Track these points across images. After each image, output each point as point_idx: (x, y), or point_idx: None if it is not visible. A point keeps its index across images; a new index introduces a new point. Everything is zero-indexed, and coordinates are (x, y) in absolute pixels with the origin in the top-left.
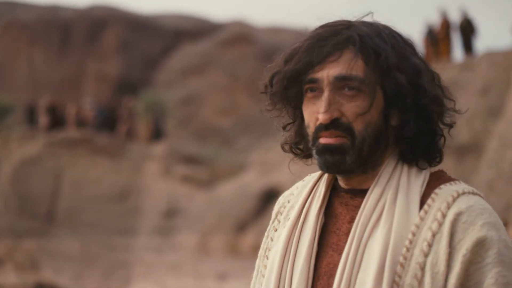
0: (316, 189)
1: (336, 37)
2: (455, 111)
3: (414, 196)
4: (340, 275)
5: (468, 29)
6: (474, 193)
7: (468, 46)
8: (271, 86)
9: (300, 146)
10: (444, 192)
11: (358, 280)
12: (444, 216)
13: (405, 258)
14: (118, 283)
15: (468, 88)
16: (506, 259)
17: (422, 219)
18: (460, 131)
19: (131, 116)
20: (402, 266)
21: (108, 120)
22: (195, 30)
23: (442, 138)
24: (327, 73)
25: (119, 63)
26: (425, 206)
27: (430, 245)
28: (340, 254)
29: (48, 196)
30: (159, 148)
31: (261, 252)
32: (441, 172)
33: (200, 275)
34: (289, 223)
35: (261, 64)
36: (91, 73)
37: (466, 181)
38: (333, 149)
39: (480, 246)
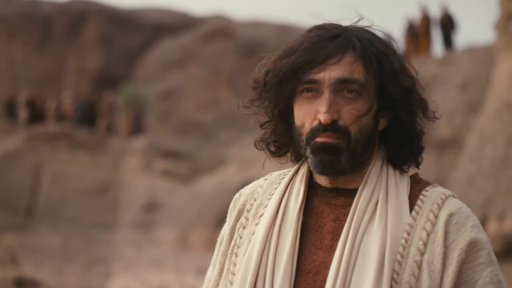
0: (292, 187)
1: (337, 39)
2: (434, 116)
3: (404, 197)
4: (335, 272)
5: (448, 24)
6: (454, 197)
7: (448, 41)
8: (265, 81)
9: (277, 145)
10: (432, 194)
11: (354, 277)
12: (436, 216)
13: (402, 256)
14: (98, 278)
15: (448, 83)
16: (494, 259)
17: (414, 219)
18: (440, 127)
19: (111, 111)
20: (400, 263)
21: (88, 115)
22: (175, 24)
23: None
24: (329, 74)
25: (99, 57)
26: (416, 207)
27: (425, 244)
28: (326, 251)
29: (28, 190)
30: (139, 143)
31: (223, 249)
32: (417, 175)
33: (180, 270)
34: (265, 221)
35: (241, 59)
36: (71, 68)
37: (446, 177)
38: (330, 148)
39: (472, 247)
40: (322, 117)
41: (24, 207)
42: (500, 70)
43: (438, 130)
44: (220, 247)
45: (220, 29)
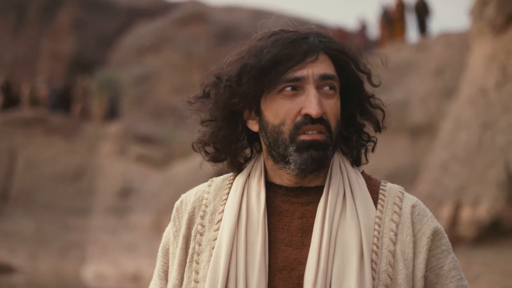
0: (249, 189)
1: (309, 39)
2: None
3: (367, 192)
4: (315, 267)
5: (423, 10)
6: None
7: (422, 27)
8: (238, 78)
9: (217, 147)
10: (391, 189)
11: (335, 270)
12: (400, 208)
13: (377, 246)
14: (73, 263)
15: (423, 69)
16: (451, 246)
17: (381, 211)
18: (415, 112)
19: (85, 96)
20: (376, 254)
21: (62, 100)
22: (150, 8)
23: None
24: (312, 71)
25: (74, 42)
26: (380, 201)
27: (396, 234)
28: (296, 248)
29: (2, 176)
30: (114, 128)
31: (180, 258)
32: (364, 172)
33: (155, 255)
34: (227, 225)
35: (216, 43)
36: (45, 52)
37: (420, 162)
38: (319, 145)
39: (435, 235)
40: (314, 111)
41: None
42: (474, 56)
43: (412, 115)
44: (164, 257)
45: (195, 14)
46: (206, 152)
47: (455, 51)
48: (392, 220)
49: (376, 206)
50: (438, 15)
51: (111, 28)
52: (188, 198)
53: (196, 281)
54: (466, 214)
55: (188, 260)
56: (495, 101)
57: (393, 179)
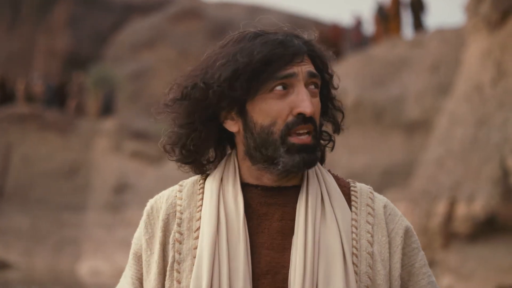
0: (224, 193)
1: (294, 41)
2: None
3: (340, 193)
4: (301, 270)
5: (418, 6)
6: None
7: (418, 23)
8: (229, 82)
9: (192, 148)
10: (361, 189)
11: (320, 273)
12: (373, 209)
13: (356, 249)
14: (68, 259)
15: (418, 65)
16: (419, 244)
17: (356, 213)
18: (410, 108)
19: (80, 91)
20: (356, 256)
21: (57, 96)
22: (145, 4)
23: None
24: (301, 68)
25: (69, 38)
26: (353, 203)
27: (372, 236)
28: (278, 252)
29: None
30: (109, 124)
31: (158, 268)
32: (329, 170)
33: None
34: (208, 232)
35: (211, 39)
36: (40, 48)
37: (415, 158)
38: (309, 148)
39: (406, 234)
40: (308, 109)
41: None
42: (470, 52)
43: (407, 112)
44: (137, 264)
45: (190, 10)
46: (180, 153)
47: (450, 47)
48: (367, 222)
49: (350, 208)
50: (434, 11)
51: (106, 24)
52: (159, 204)
53: None
54: (461, 210)
55: (168, 269)
56: (491, 97)
57: (388, 175)
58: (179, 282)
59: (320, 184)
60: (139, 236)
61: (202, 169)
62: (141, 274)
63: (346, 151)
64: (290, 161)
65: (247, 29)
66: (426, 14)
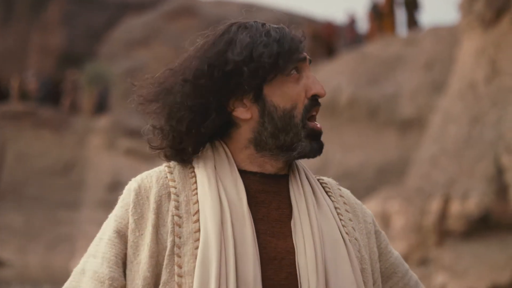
0: (221, 179)
1: (296, 33)
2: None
3: (318, 182)
4: (313, 255)
5: (412, 4)
6: None
7: (412, 21)
8: (254, 64)
9: (189, 135)
10: (329, 181)
11: (329, 257)
12: (346, 199)
13: (348, 234)
14: (63, 256)
15: (412, 63)
16: None
17: (336, 202)
18: (404, 106)
19: (74, 89)
20: (350, 241)
21: (51, 93)
22: (139, 2)
23: None
24: (305, 55)
25: (63, 35)
26: (329, 193)
27: (353, 223)
28: (280, 239)
29: None
30: (103, 121)
31: (152, 249)
32: None
33: None
34: (212, 215)
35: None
36: (34, 46)
37: (409, 156)
38: (321, 135)
39: (372, 219)
40: (322, 90)
41: None
42: (464, 50)
43: (401, 109)
44: (121, 243)
45: (185, 8)
46: (174, 139)
47: (444, 45)
48: (346, 210)
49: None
50: (428, 9)
51: (100, 22)
52: (147, 183)
53: (180, 276)
54: (455, 208)
55: (167, 253)
56: (485, 95)
57: (382, 173)
58: (180, 266)
59: (306, 172)
60: (122, 215)
61: (183, 158)
62: (125, 254)
63: (340, 149)
64: (308, 146)
65: (241, 20)
66: (420, 12)
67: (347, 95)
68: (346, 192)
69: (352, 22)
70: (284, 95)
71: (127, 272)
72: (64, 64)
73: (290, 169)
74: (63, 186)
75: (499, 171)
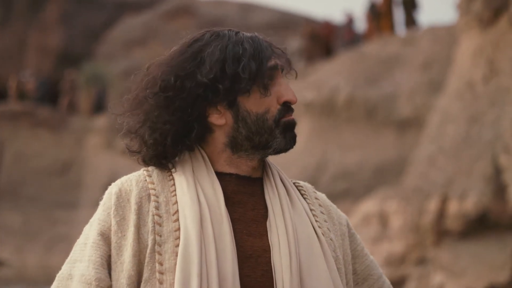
0: (199, 181)
1: (270, 41)
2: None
3: (293, 184)
4: (287, 253)
5: (410, 4)
6: None
7: (410, 21)
8: (235, 77)
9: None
10: (304, 184)
11: (303, 255)
12: (319, 201)
13: (323, 234)
14: (60, 256)
15: (410, 63)
16: None
17: (311, 204)
18: (402, 106)
19: (72, 89)
20: (325, 241)
21: (49, 93)
22: (137, 2)
23: None
24: (277, 62)
25: (61, 35)
26: (304, 195)
27: (329, 225)
28: (256, 237)
29: None
30: (101, 121)
31: (134, 248)
32: None
33: None
34: (192, 214)
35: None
36: (32, 45)
37: (407, 156)
38: (295, 125)
39: (347, 222)
40: (294, 97)
41: None
42: (461, 50)
43: (399, 109)
44: (106, 245)
45: (183, 7)
46: (152, 144)
47: (442, 45)
48: (321, 212)
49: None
50: (426, 8)
51: (98, 22)
52: (127, 187)
53: (161, 273)
54: (453, 207)
55: (148, 252)
56: (482, 95)
57: (380, 172)
58: (161, 264)
59: (280, 175)
60: (105, 218)
61: (161, 162)
62: (109, 256)
63: (338, 149)
64: (283, 142)
65: (212, 29)
66: (418, 12)
67: (345, 94)
68: (321, 195)
69: (350, 22)
70: (257, 102)
71: (112, 272)
72: (62, 64)
73: (264, 171)
74: (61, 186)
75: (497, 171)
